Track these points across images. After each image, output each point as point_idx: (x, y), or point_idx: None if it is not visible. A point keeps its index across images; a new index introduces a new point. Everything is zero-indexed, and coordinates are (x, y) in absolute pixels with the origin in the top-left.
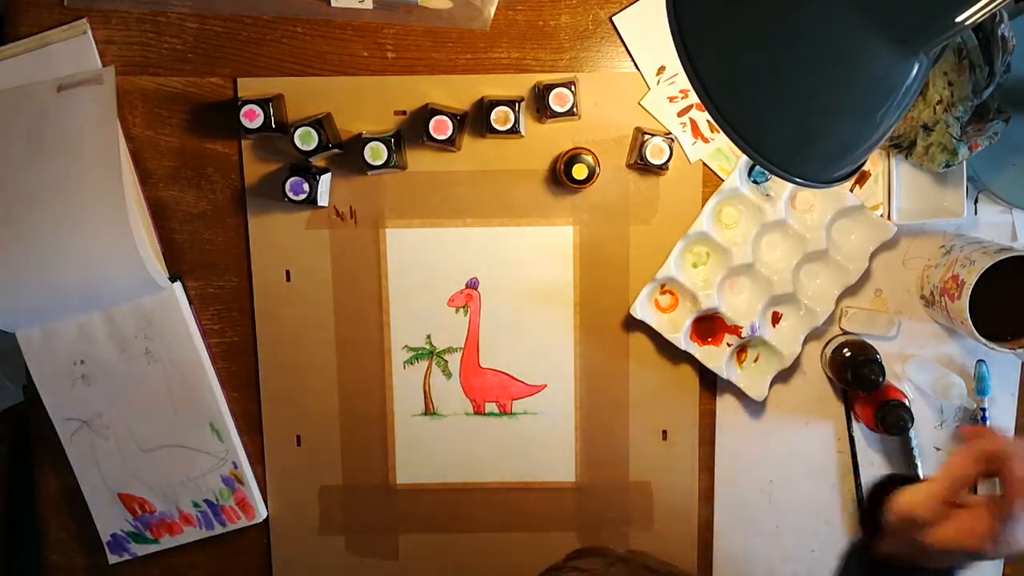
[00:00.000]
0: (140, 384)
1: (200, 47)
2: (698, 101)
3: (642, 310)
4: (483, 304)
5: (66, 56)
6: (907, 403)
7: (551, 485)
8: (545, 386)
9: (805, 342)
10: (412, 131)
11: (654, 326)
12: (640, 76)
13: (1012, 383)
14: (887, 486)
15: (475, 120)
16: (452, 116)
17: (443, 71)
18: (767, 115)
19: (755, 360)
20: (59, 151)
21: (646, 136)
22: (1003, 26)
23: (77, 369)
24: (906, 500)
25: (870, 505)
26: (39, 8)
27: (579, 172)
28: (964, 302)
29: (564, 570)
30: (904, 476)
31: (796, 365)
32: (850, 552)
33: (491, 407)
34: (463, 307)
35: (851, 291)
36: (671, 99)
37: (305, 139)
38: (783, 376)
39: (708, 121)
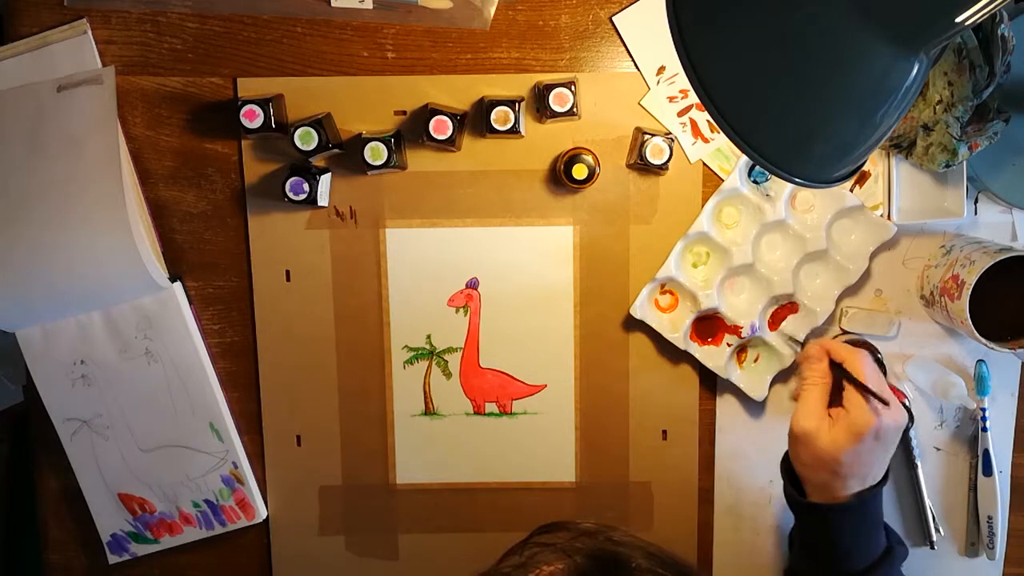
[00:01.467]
0: (140, 384)
1: (200, 47)
2: (698, 101)
3: (642, 310)
4: (483, 304)
5: (66, 56)
6: (907, 403)
7: (551, 485)
8: (545, 386)
9: (805, 342)
10: (412, 131)
11: (654, 326)
12: (640, 76)
13: (1012, 383)
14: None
15: (475, 120)
16: (452, 116)
17: (443, 71)
18: (767, 115)
19: (755, 360)
20: (59, 151)
21: (646, 136)
22: (1003, 26)
23: (77, 369)
24: (797, 424)
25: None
26: (39, 8)
27: (579, 172)
28: (964, 302)
29: (529, 545)
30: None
31: (796, 365)
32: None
33: (491, 407)
34: (463, 307)
35: (851, 291)
36: (671, 99)
37: (305, 139)
38: (783, 376)
39: (708, 121)
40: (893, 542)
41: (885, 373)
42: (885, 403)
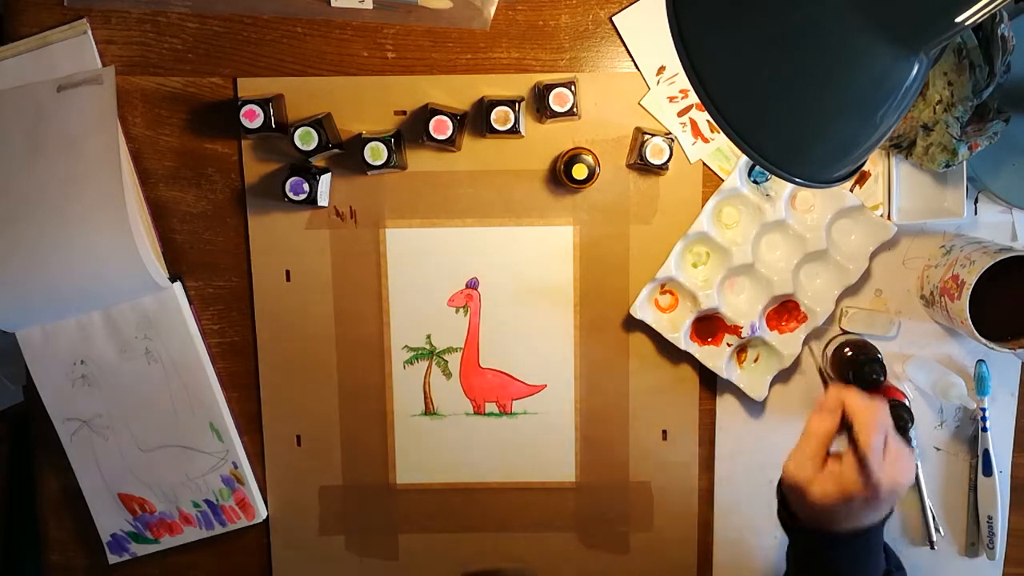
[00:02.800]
0: (140, 384)
1: (200, 47)
2: (698, 101)
3: (642, 310)
4: (483, 304)
5: (66, 56)
6: (907, 403)
7: (551, 485)
8: (545, 386)
9: (805, 342)
10: (412, 131)
11: (654, 326)
12: (640, 76)
13: (1012, 383)
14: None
15: (475, 120)
16: (452, 116)
17: (443, 71)
18: (767, 115)
19: (755, 360)
20: (59, 151)
21: (646, 136)
22: (1003, 26)
23: (77, 369)
24: (788, 472)
25: (781, 497)
26: (39, 8)
27: (579, 172)
28: (964, 302)
29: None
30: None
31: (796, 365)
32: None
33: (491, 407)
34: (463, 307)
35: (851, 291)
36: (671, 99)
37: (305, 139)
38: (783, 376)
39: (708, 121)
40: (892, 566)
41: (885, 375)
42: (870, 482)
